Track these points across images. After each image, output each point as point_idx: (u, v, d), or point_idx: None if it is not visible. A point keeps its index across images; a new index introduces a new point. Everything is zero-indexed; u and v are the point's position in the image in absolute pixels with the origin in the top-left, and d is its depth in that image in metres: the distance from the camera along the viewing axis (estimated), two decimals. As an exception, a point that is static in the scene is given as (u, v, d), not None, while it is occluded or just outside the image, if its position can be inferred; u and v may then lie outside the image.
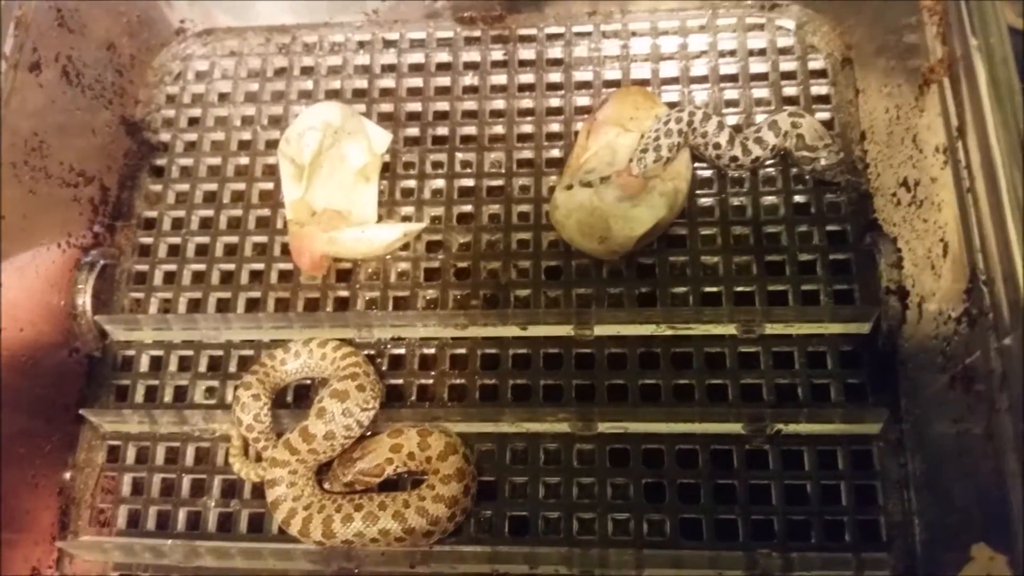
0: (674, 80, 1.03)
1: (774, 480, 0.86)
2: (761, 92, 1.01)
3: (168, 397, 0.97)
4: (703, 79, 1.03)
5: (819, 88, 1.00)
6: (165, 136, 1.09)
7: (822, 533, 0.84)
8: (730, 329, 0.90)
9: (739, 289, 0.93)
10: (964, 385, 0.72)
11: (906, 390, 0.85)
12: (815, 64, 1.01)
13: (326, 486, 0.88)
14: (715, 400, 0.89)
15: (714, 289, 0.93)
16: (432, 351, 0.95)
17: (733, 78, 1.02)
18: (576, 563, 0.84)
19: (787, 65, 1.02)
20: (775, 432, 0.86)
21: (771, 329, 0.90)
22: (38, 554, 0.89)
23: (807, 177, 0.96)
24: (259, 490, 0.90)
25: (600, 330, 0.91)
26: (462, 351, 0.94)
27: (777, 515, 0.85)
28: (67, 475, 0.94)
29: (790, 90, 1.01)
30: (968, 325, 0.71)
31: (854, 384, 0.88)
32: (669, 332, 0.91)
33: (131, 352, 0.99)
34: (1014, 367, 0.65)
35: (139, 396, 0.97)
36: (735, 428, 0.87)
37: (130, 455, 0.95)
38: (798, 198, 0.96)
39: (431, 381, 0.93)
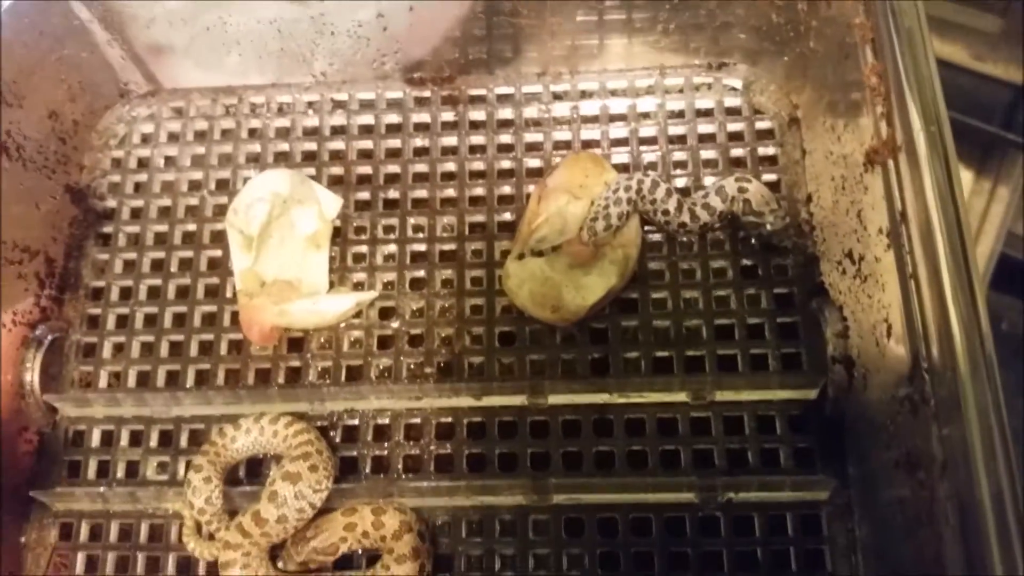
0: (623, 142, 1.04)
1: (726, 547, 0.87)
2: (709, 153, 1.02)
3: (120, 473, 0.95)
4: (652, 140, 1.04)
5: (766, 149, 1.02)
6: (111, 203, 1.07)
7: (774, 601, 0.85)
8: (681, 396, 0.91)
9: (690, 354, 0.93)
10: (907, 470, 0.73)
11: (853, 458, 0.87)
12: (762, 124, 1.03)
13: (280, 565, 0.87)
14: (668, 466, 0.90)
15: (665, 354, 0.94)
16: (386, 422, 0.94)
17: (682, 139, 1.03)
18: (534, 636, 0.85)
19: (735, 126, 1.03)
20: (726, 500, 0.87)
21: (721, 396, 0.91)
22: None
23: (754, 241, 0.97)
24: (214, 568, 0.89)
25: (554, 399, 0.92)
26: (416, 421, 0.94)
27: (729, 583, 0.86)
28: (20, 555, 0.93)
29: (737, 151, 1.02)
30: (911, 410, 0.73)
31: (803, 449, 0.89)
32: (622, 400, 0.91)
33: (82, 427, 0.97)
34: (954, 457, 0.66)
35: (91, 472, 0.96)
36: (688, 496, 0.88)
37: (83, 533, 0.94)
38: (746, 261, 0.97)
39: (386, 452, 0.93)
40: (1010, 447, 0.64)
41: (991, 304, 0.68)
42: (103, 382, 0.99)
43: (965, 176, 1.34)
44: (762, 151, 1.01)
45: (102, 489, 0.93)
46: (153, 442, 0.96)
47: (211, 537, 0.90)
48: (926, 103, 0.74)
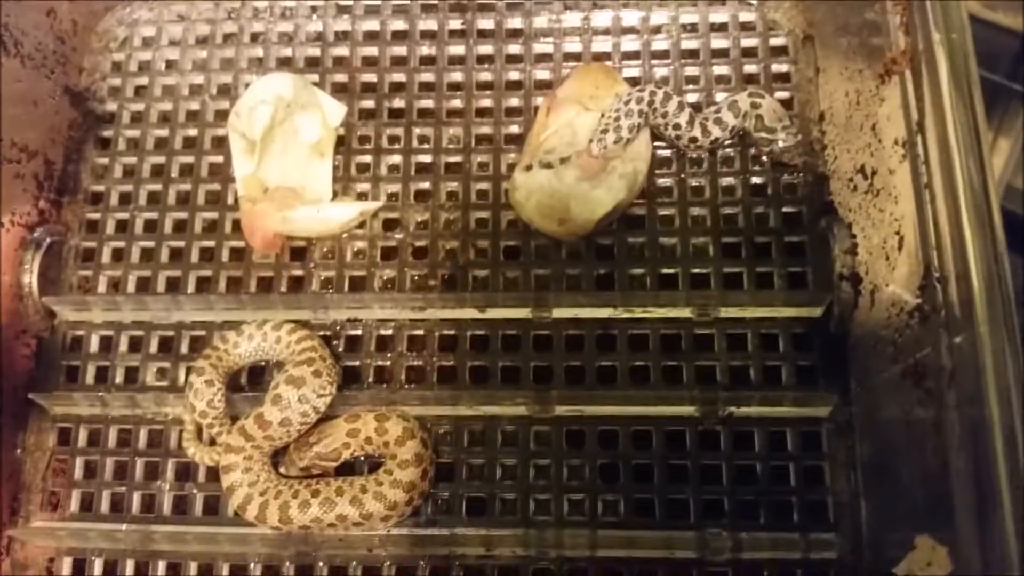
0: (635, 55, 1.02)
1: (725, 461, 0.87)
2: (722, 69, 1.00)
3: (119, 379, 0.95)
4: (664, 54, 1.02)
5: (779, 66, 1.00)
6: (111, 106, 1.05)
7: (771, 513, 0.86)
8: (686, 312, 0.91)
9: (695, 271, 0.93)
10: (915, 380, 0.73)
11: (856, 375, 0.87)
12: (776, 41, 1.00)
13: (282, 471, 0.88)
14: (670, 382, 0.90)
15: (671, 271, 0.93)
16: (389, 332, 0.94)
17: (694, 54, 1.01)
18: (532, 544, 0.86)
19: (748, 42, 1.01)
20: (727, 414, 0.88)
21: (726, 312, 0.90)
22: (-12, 540, 0.88)
23: (765, 158, 0.96)
24: (214, 473, 0.89)
25: (558, 313, 0.92)
26: (420, 332, 0.94)
27: (727, 496, 0.86)
28: (17, 459, 0.93)
29: (751, 67, 1.00)
30: (920, 320, 0.72)
31: (805, 367, 0.89)
32: (626, 315, 0.91)
33: (80, 333, 0.97)
34: (964, 366, 0.66)
35: (89, 378, 0.96)
36: (689, 410, 0.88)
37: (81, 438, 0.94)
38: (755, 179, 0.96)
39: (388, 363, 0.93)
40: (1020, 355, 0.64)
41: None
42: (102, 287, 0.98)
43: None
44: (775, 68, 0.99)
45: (101, 394, 0.93)
46: (153, 348, 0.96)
47: (212, 442, 0.90)
48: (947, 10, 0.72)
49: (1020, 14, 1.34)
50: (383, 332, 0.94)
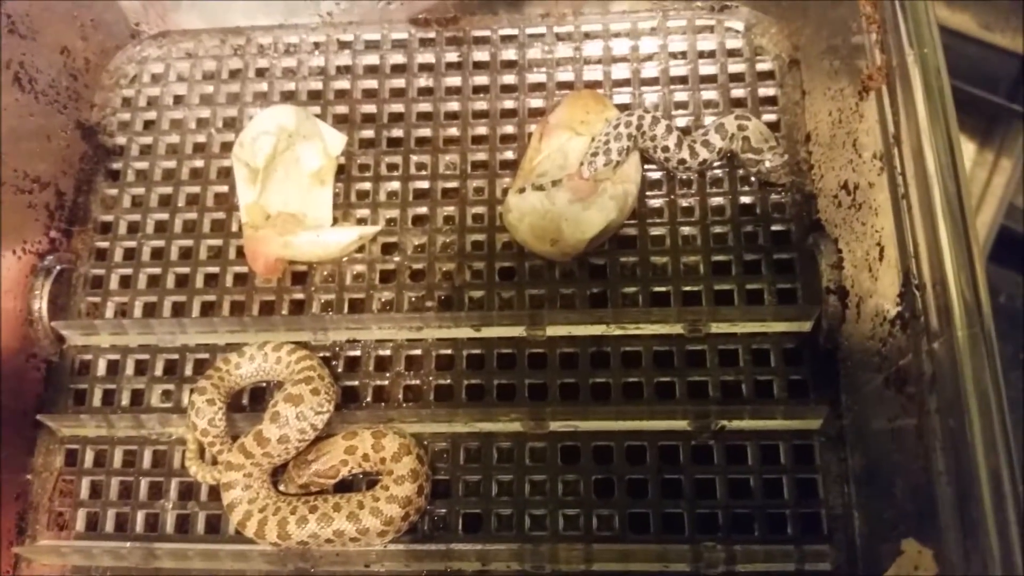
0: (625, 82, 1.05)
1: (718, 475, 0.88)
2: (710, 94, 1.03)
3: (125, 401, 0.97)
4: (654, 81, 1.05)
5: (767, 90, 1.02)
6: (121, 140, 1.09)
7: (765, 526, 0.86)
8: (677, 328, 0.92)
9: (687, 288, 0.95)
10: (897, 386, 0.74)
11: (845, 387, 0.88)
12: (763, 66, 1.03)
13: (281, 488, 0.89)
14: (663, 397, 0.91)
15: (663, 289, 0.95)
16: (387, 352, 0.96)
17: (683, 80, 1.04)
18: (527, 559, 0.86)
19: (736, 67, 1.04)
20: (720, 428, 0.89)
21: (717, 328, 0.92)
22: (-4, 559, 0.90)
23: (753, 178, 0.98)
24: (216, 492, 0.90)
25: (552, 331, 0.93)
26: (417, 352, 0.96)
27: (722, 509, 0.87)
28: (25, 479, 0.95)
29: (738, 92, 1.03)
30: (902, 328, 0.74)
31: (796, 381, 0.90)
32: (619, 332, 0.93)
33: (88, 356, 1.00)
34: (943, 370, 0.68)
35: (96, 400, 0.98)
36: (682, 425, 0.89)
37: (88, 459, 0.96)
38: (744, 199, 0.98)
39: (386, 382, 0.95)
40: (996, 359, 0.65)
41: (990, 277, 0.69)
42: (110, 312, 1.01)
43: (968, 147, 1.34)
44: (763, 92, 1.02)
45: (107, 415, 0.95)
46: (158, 371, 0.98)
47: (214, 461, 0.92)
48: (919, 26, 0.75)
49: (1020, 36, 1.37)
50: (381, 352, 0.96)
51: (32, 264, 0.98)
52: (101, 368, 0.99)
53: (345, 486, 0.91)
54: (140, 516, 0.93)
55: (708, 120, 1.01)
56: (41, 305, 0.97)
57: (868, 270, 0.81)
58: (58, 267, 1.00)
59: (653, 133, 0.96)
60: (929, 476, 0.69)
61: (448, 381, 0.94)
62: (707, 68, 1.04)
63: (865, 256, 0.82)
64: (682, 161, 0.96)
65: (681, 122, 1.02)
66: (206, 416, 0.89)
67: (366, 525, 0.84)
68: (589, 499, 0.89)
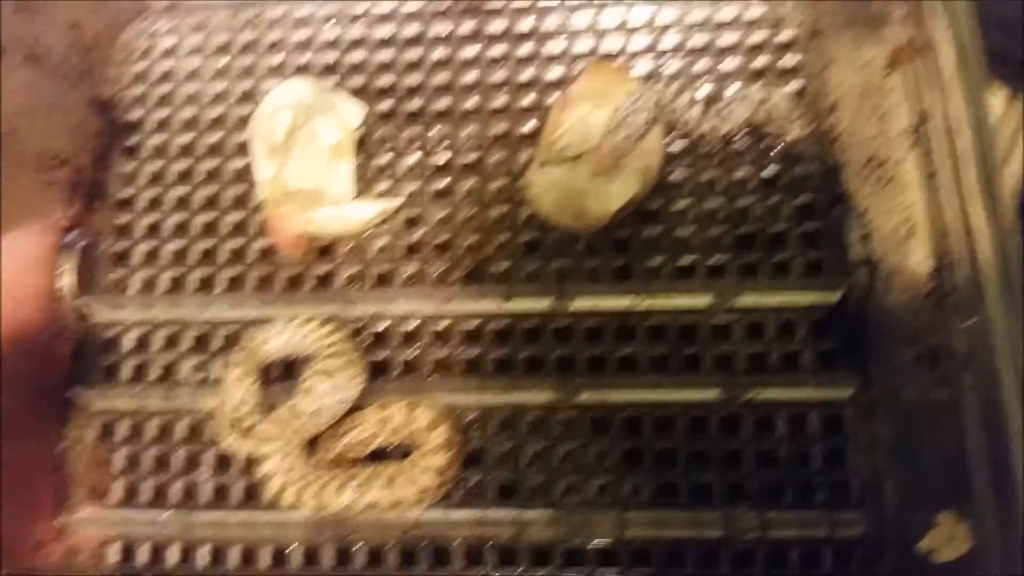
0: (645, 52, 1.04)
1: (748, 445, 0.90)
2: (732, 64, 1.03)
3: (155, 375, 0.98)
4: (674, 52, 1.04)
5: (789, 59, 1.02)
6: (136, 114, 1.08)
7: (795, 494, 0.88)
8: (704, 301, 0.93)
9: (712, 262, 0.95)
10: (930, 363, 0.75)
11: (875, 357, 0.89)
12: (785, 35, 1.03)
13: (316, 459, 0.90)
14: (690, 370, 0.92)
15: (688, 262, 0.96)
16: (414, 326, 0.97)
17: (704, 50, 1.04)
18: (562, 526, 0.88)
19: (757, 36, 1.03)
20: (748, 400, 0.90)
21: (743, 301, 0.93)
22: (41, 530, 0.92)
23: (777, 150, 0.98)
24: (252, 462, 0.92)
25: (578, 304, 0.94)
26: (444, 325, 0.96)
27: (752, 478, 0.89)
28: (61, 453, 0.96)
29: (760, 62, 1.02)
30: (933, 304, 0.75)
31: (825, 352, 0.91)
32: (645, 305, 0.94)
33: (116, 331, 0.99)
34: (977, 348, 0.69)
35: (127, 374, 0.98)
36: (710, 396, 0.91)
37: (121, 431, 0.97)
38: (769, 171, 0.98)
39: (414, 355, 0.96)
40: (1031, 335, 0.66)
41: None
42: (135, 287, 1.01)
43: (997, 99, 1.33)
44: (785, 62, 1.02)
45: (138, 389, 0.96)
46: (187, 344, 0.98)
47: (248, 434, 0.92)
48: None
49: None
50: (408, 326, 0.97)
51: (55, 241, 0.97)
52: (129, 343, 0.99)
53: (378, 456, 0.92)
54: (177, 486, 0.94)
55: (730, 91, 1.01)
56: (67, 282, 0.97)
57: (898, 245, 0.82)
58: (82, 243, 0.99)
59: (675, 105, 0.96)
60: (963, 451, 0.70)
61: (475, 354, 0.95)
62: (729, 37, 1.04)
63: (895, 231, 0.83)
64: (705, 133, 0.96)
65: (703, 93, 1.02)
66: (239, 391, 0.89)
67: (402, 495, 0.85)
68: (620, 468, 0.90)
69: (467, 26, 1.09)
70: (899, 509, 0.84)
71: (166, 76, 1.10)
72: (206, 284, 1.00)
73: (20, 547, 0.89)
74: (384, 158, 1.04)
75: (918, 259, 0.78)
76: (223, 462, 0.95)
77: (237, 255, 1.01)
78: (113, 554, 0.94)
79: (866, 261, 0.89)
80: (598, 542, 0.88)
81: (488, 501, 0.90)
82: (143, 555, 0.93)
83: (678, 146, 1.00)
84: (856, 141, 0.92)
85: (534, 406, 0.92)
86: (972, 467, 0.69)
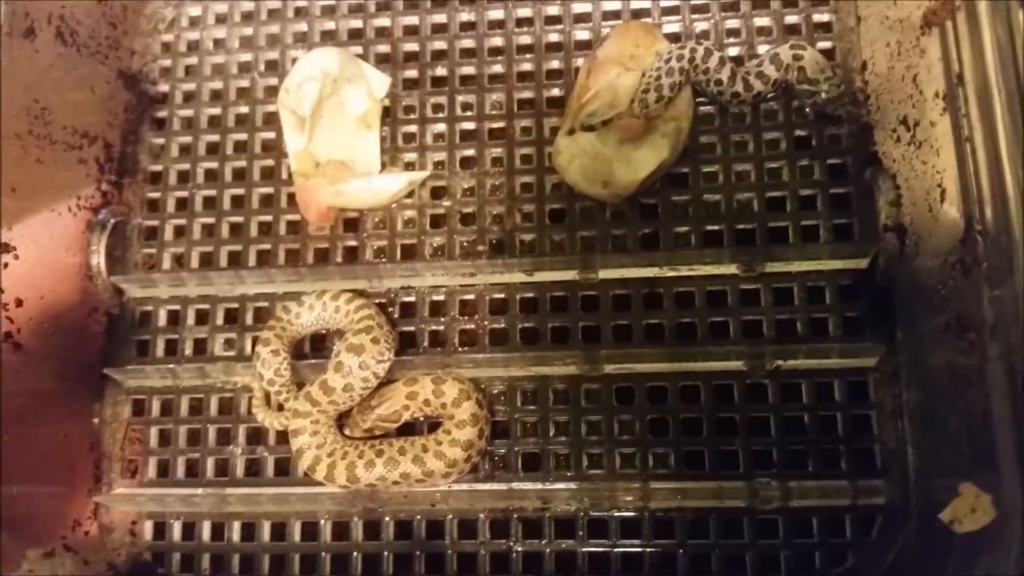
0: (675, 10, 1.02)
1: (773, 413, 0.89)
2: (762, 21, 1.00)
3: (188, 351, 1.00)
4: (704, 8, 1.01)
5: (820, 15, 0.99)
6: (164, 87, 1.08)
7: (819, 462, 0.88)
8: (731, 268, 0.92)
9: (740, 227, 0.94)
10: (958, 332, 0.74)
11: (902, 324, 0.88)
12: (817, -10, 1.00)
13: (347, 432, 0.92)
14: (717, 337, 0.92)
15: (716, 227, 0.94)
16: (442, 298, 0.97)
17: (734, 6, 1.01)
18: (586, 497, 0.89)
19: (788, -9, 1.00)
20: (775, 367, 0.90)
21: (771, 267, 0.92)
22: (77, 507, 0.95)
23: (808, 110, 0.95)
24: (284, 436, 0.94)
25: (604, 274, 0.94)
26: (471, 297, 0.97)
27: (776, 446, 0.89)
28: (96, 430, 0.99)
29: (792, 18, 0.99)
30: (962, 272, 0.73)
31: (852, 318, 0.91)
32: (672, 273, 0.93)
33: (148, 308, 1.02)
34: (1005, 318, 0.67)
35: (159, 351, 1.01)
36: (736, 365, 0.90)
37: (155, 408, 1.00)
38: (799, 132, 0.96)
39: (442, 327, 0.96)
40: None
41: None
42: (167, 263, 1.03)
43: None
44: (816, 18, 0.99)
45: (171, 366, 0.98)
46: (219, 320, 1.00)
47: (280, 408, 0.94)
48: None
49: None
50: (435, 298, 0.97)
51: (87, 220, 0.99)
52: (162, 319, 1.01)
53: (407, 429, 0.93)
54: (210, 462, 0.97)
55: (762, 49, 0.98)
56: (99, 260, 0.99)
57: (928, 210, 0.80)
58: (112, 221, 1.01)
59: (706, 66, 0.93)
60: (988, 421, 0.69)
61: (503, 325, 0.95)
62: (759, -8, 1.01)
63: (925, 196, 0.80)
64: (736, 94, 0.94)
65: (733, 51, 0.99)
66: (272, 366, 0.91)
67: (431, 467, 0.87)
68: (645, 438, 0.91)
69: (493, -14, 1.06)
70: (923, 477, 0.84)
71: (193, 47, 1.10)
72: (236, 259, 1.01)
73: (58, 524, 0.92)
74: (411, 127, 1.03)
75: (948, 225, 0.76)
76: (255, 436, 0.97)
77: (266, 229, 1.02)
78: (146, 530, 0.97)
79: (896, 226, 0.87)
80: (622, 513, 0.89)
81: (515, 473, 0.92)
82: (175, 531, 0.96)
83: (708, 107, 0.98)
84: (888, 102, 0.89)
85: (560, 377, 0.93)
86: (996, 437, 0.68)
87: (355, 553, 0.92)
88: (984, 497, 0.70)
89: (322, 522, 0.93)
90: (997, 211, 0.68)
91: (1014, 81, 0.68)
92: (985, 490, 0.69)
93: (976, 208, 0.71)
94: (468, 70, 1.04)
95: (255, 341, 0.94)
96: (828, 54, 0.97)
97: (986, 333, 0.70)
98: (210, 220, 1.03)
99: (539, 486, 0.90)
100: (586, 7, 1.04)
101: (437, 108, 1.03)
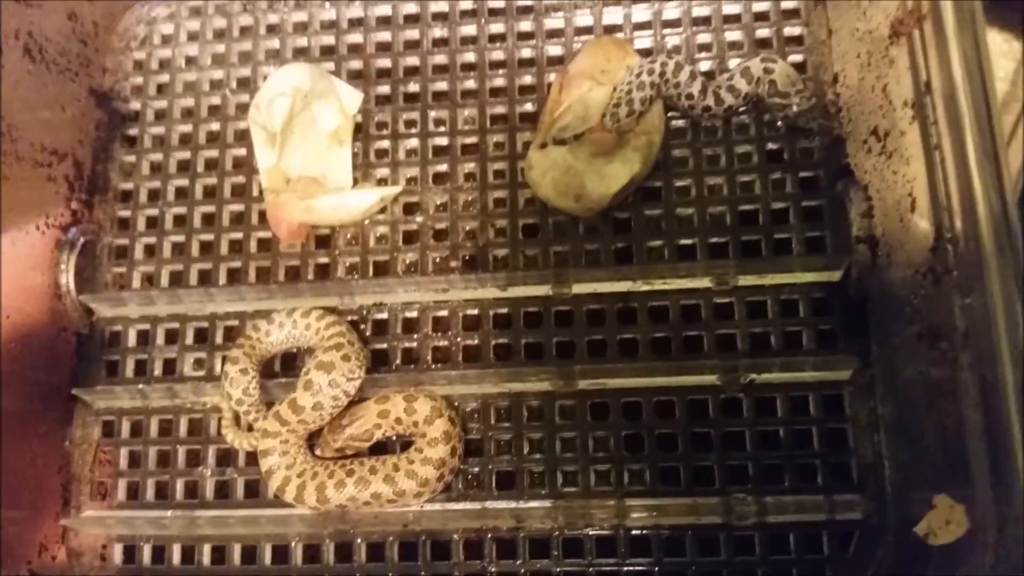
0: (646, 25, 1.02)
1: (748, 428, 0.89)
2: (734, 35, 1.00)
3: (158, 371, 0.99)
4: (676, 23, 1.01)
5: (792, 29, 0.99)
6: (135, 105, 1.08)
7: (795, 477, 0.87)
8: (705, 282, 0.91)
9: (714, 240, 0.94)
10: (930, 341, 0.73)
11: (876, 337, 0.87)
12: (788, 4, 0.99)
13: (317, 452, 0.91)
14: (691, 352, 0.91)
15: (689, 241, 0.94)
16: (414, 315, 0.96)
17: (706, 21, 1.01)
18: (561, 515, 0.88)
19: (760, 6, 1.00)
20: (749, 381, 0.89)
21: (745, 280, 0.91)
22: (44, 531, 0.93)
23: (780, 123, 0.95)
24: (253, 457, 0.92)
25: (578, 288, 0.93)
26: (444, 313, 0.96)
27: (751, 461, 0.88)
28: (65, 451, 0.97)
29: (763, 32, 0.99)
30: (933, 281, 0.73)
31: (825, 331, 0.90)
32: (646, 287, 0.92)
33: (118, 328, 1.00)
34: (976, 326, 0.67)
35: (129, 371, 0.99)
36: (710, 379, 0.89)
37: (124, 429, 0.98)
38: (771, 145, 0.95)
39: (415, 344, 0.95)
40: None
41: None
42: (136, 282, 1.02)
43: (1013, 46, 1.28)
44: (788, 31, 0.99)
45: (141, 386, 0.96)
46: (189, 339, 0.99)
47: (249, 428, 0.93)
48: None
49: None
50: (408, 315, 0.96)
51: (56, 238, 0.98)
52: (132, 339, 1.00)
53: (379, 448, 0.92)
54: (180, 484, 0.95)
55: (733, 63, 0.98)
56: (68, 279, 0.98)
57: (899, 220, 0.80)
58: (82, 239, 1.00)
59: (677, 80, 0.93)
60: (961, 431, 0.69)
61: (476, 341, 0.95)
62: (731, 7, 1.00)
63: (896, 205, 0.80)
64: (707, 108, 0.94)
65: (705, 65, 0.99)
66: (240, 386, 0.90)
67: (402, 487, 0.86)
68: (620, 455, 0.90)
69: (466, 2, 1.06)
70: (900, 491, 0.83)
71: (165, 64, 1.10)
72: (206, 277, 1.00)
73: (24, 549, 0.90)
74: (383, 143, 1.02)
75: (919, 235, 0.76)
76: (225, 458, 0.95)
77: (237, 247, 1.01)
78: (116, 555, 0.95)
79: (868, 237, 0.86)
80: (597, 531, 0.88)
81: (488, 492, 0.90)
82: (145, 555, 0.94)
83: (680, 121, 0.98)
84: (859, 113, 0.89)
85: (534, 394, 0.92)
86: (969, 447, 0.68)
87: (326, 576, 0.91)
88: (958, 508, 0.69)
89: (293, 544, 0.92)
90: (966, 219, 0.68)
91: (980, 87, 0.68)
92: (960, 501, 0.69)
93: (946, 216, 0.71)
94: (441, 86, 1.04)
95: (224, 360, 0.93)
96: (800, 67, 0.97)
97: (958, 342, 0.69)
98: (180, 238, 1.02)
99: (513, 505, 0.89)
100: (558, 23, 1.04)
101: (409, 124, 1.03)
